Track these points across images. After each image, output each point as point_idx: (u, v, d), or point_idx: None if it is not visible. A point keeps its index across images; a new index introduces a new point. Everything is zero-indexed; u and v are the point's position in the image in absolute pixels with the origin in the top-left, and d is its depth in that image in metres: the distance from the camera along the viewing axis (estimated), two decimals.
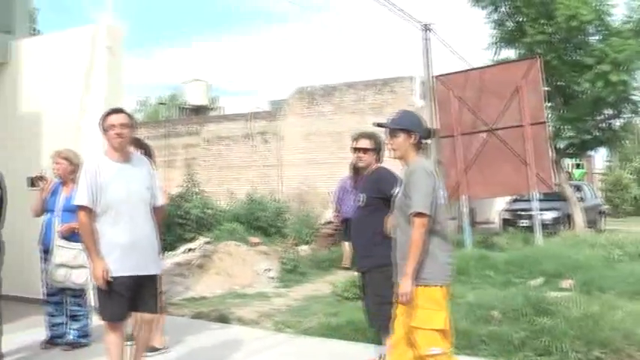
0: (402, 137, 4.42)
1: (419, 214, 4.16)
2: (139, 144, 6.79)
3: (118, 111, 5.04)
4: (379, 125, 4.65)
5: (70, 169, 6.60)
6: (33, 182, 6.65)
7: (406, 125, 4.46)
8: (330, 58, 70.92)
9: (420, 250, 4.16)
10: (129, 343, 5.64)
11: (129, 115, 5.10)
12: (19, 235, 7.06)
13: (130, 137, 5.03)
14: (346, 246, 11.25)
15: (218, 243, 12.22)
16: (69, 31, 9.32)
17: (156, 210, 5.09)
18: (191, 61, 67.94)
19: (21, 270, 7.50)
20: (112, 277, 4.79)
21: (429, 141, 4.79)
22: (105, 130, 4.94)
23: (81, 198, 4.87)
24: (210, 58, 69.74)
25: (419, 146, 4.44)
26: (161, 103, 38.25)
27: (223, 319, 7.98)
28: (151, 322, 5.11)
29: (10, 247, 6.23)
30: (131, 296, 4.90)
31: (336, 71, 65.56)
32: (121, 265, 4.81)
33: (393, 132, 4.47)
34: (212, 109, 30.22)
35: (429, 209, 4.17)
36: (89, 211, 4.85)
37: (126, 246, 4.82)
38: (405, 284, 4.19)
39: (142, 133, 19.72)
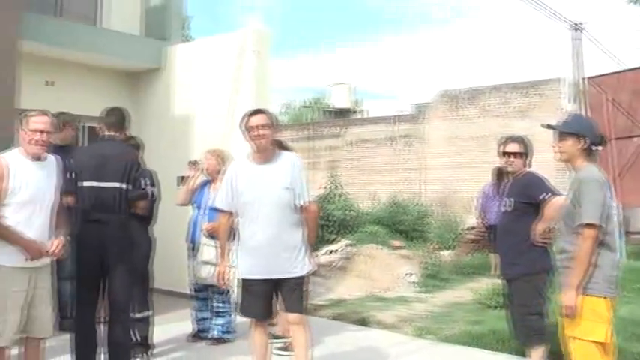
0: (570, 141, 4.21)
1: (589, 226, 3.96)
2: (281, 146, 6.91)
3: (258, 112, 4.97)
4: (548, 127, 4.45)
5: (219, 167, 6.79)
6: (183, 181, 6.89)
7: (576, 129, 4.24)
8: (474, 61, 69.66)
9: (587, 262, 3.95)
10: (275, 340, 5.76)
11: (270, 116, 5.00)
12: (169, 231, 7.34)
13: (270, 138, 4.95)
14: (494, 257, 10.92)
15: (360, 245, 12.25)
16: (218, 36, 9.64)
17: (303, 210, 4.94)
18: (336, 64, 68.73)
19: (171, 266, 7.82)
20: (243, 279, 4.91)
21: (600, 148, 4.49)
22: (246, 132, 4.92)
23: (218, 201, 5.08)
24: (354, 61, 70.26)
25: (588, 152, 4.22)
26: (305, 106, 38.86)
27: (363, 322, 7.97)
28: (297, 324, 4.94)
29: (160, 244, 6.50)
30: (269, 297, 4.93)
31: (481, 74, 64.22)
32: (251, 268, 4.87)
33: (562, 135, 4.28)
34: (356, 111, 30.42)
35: (600, 220, 3.96)
36: (227, 213, 4.99)
37: (256, 248, 4.83)
38: (569, 296, 4.01)
39: (286, 136, 20.15)
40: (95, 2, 10.35)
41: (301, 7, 79.62)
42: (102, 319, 5.42)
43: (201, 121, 9.31)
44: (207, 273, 6.51)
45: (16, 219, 4.42)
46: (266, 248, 4.80)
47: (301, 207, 4.92)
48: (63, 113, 6.79)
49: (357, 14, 78.83)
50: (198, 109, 9.42)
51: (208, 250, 6.51)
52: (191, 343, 6.83)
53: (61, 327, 6.29)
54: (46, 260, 4.64)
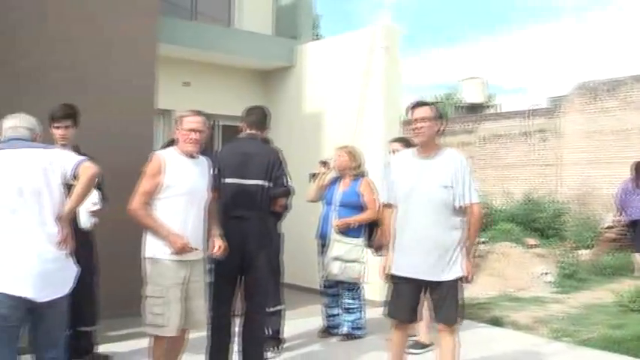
0: None
1: None
2: (408, 144, 6.83)
3: (420, 104, 4.75)
4: None
5: (350, 164, 6.80)
6: (314, 178, 6.92)
7: None
8: (614, 50, 66.43)
9: None
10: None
11: (433, 109, 4.72)
12: (300, 227, 7.42)
13: (432, 132, 4.66)
14: (637, 257, 10.43)
15: (493, 243, 11.99)
16: (348, 33, 9.67)
17: (464, 211, 4.66)
18: (467, 59, 67.46)
19: (301, 261, 7.92)
20: (391, 275, 4.78)
21: None
22: (409, 124, 4.75)
23: (381, 194, 5.01)
24: (486, 54, 68.71)
25: None
26: (437, 102, 38.39)
27: (496, 322, 7.77)
28: (445, 331, 4.71)
29: (291, 239, 6.58)
30: (415, 299, 4.73)
31: (622, 64, 61.17)
32: (399, 264, 4.72)
33: None
34: (488, 106, 29.73)
35: None
36: (388, 206, 4.85)
37: (405, 245, 4.68)
38: None
39: None
40: (228, 4, 10.68)
41: (430, 2, 78.80)
42: (236, 313, 5.54)
43: (332, 118, 9.38)
44: (338, 269, 6.54)
45: (171, 213, 4.57)
46: (416, 246, 4.63)
47: (462, 208, 4.64)
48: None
49: (488, 6, 77.15)
50: (328, 106, 9.50)
51: (339, 246, 6.53)
52: (321, 338, 6.87)
53: None
54: (200, 254, 4.76)
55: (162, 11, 8.13)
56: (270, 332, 6.19)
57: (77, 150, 5.13)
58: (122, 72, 7.35)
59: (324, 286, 6.96)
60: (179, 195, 4.59)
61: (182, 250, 4.54)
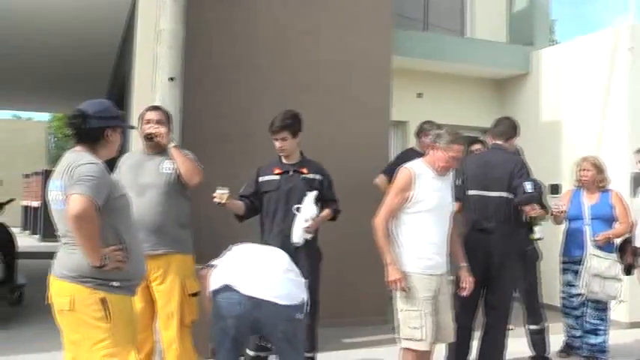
0: None
1: None
2: None
3: None
4: None
5: (597, 176, 6.42)
6: (553, 190, 6.59)
7: None
8: None
9: None
10: None
11: None
12: (540, 242, 7.13)
13: None
14: None
15: None
16: (586, 37, 9.25)
17: None
18: None
19: (547, 279, 7.58)
20: None
21: None
22: None
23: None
24: None
25: None
26: None
27: None
28: None
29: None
30: None
31: None
32: None
33: None
34: None
35: None
36: None
37: None
38: None
39: None
40: (461, 14, 10.62)
41: None
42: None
43: (571, 127, 9.00)
44: (598, 286, 6.11)
45: (418, 227, 4.52)
46: None
47: None
48: (428, 122, 6.97)
49: None
50: (567, 114, 9.13)
51: (599, 261, 6.10)
52: (561, 358, 6.54)
53: None
54: (445, 267, 4.66)
55: (395, 24, 8.25)
56: (534, 352, 6.19)
57: (301, 155, 5.30)
58: (358, 85, 7.54)
59: (567, 307, 6.56)
60: (427, 210, 4.51)
61: (391, 285, 4.48)
